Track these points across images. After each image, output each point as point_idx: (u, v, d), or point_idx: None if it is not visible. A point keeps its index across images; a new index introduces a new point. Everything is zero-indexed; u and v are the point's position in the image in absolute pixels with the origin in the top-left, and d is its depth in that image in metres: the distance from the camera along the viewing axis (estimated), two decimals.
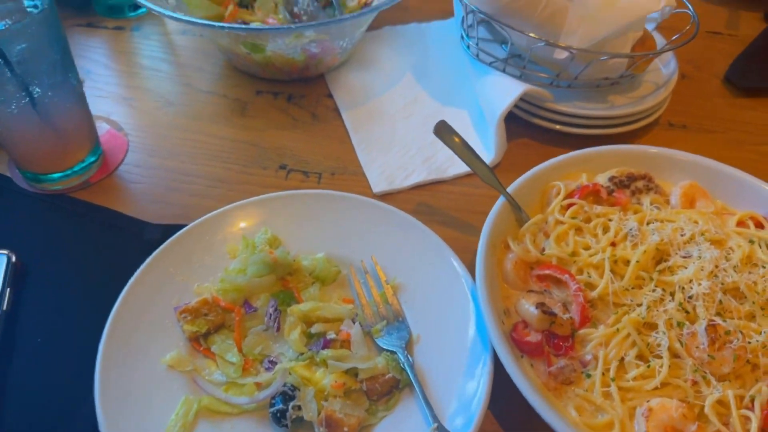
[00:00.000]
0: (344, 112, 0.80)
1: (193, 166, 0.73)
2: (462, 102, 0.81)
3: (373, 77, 0.85)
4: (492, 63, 0.76)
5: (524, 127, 0.77)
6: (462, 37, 0.80)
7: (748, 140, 0.80)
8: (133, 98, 0.82)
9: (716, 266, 0.54)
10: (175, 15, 0.72)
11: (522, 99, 0.75)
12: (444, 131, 0.62)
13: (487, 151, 0.74)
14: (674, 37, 0.79)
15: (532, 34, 0.70)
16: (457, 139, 0.63)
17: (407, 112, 0.80)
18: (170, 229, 0.61)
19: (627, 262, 0.55)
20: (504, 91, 0.73)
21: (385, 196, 0.69)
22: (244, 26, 0.79)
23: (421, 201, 0.69)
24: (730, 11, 1.01)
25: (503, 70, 0.75)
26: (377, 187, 0.70)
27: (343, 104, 0.81)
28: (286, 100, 0.82)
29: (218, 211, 0.62)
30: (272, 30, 0.74)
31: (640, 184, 0.66)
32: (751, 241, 0.57)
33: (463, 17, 0.79)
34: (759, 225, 0.60)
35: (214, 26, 0.72)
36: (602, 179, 0.65)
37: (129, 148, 0.75)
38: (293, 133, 0.78)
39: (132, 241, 0.63)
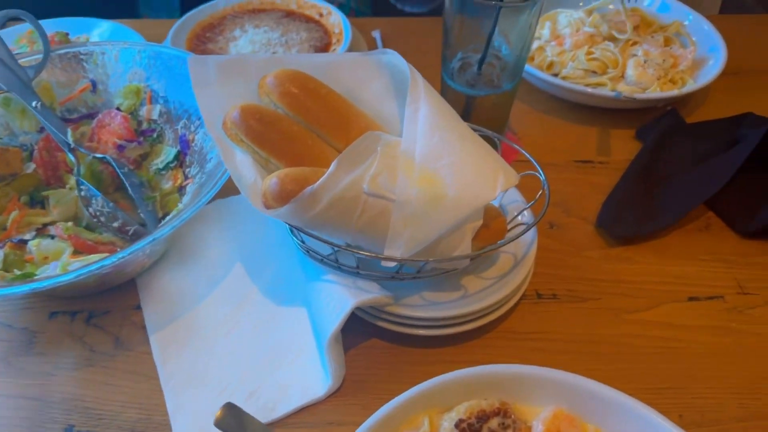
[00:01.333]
0: (153, 334, 0.66)
1: None
2: (303, 297, 0.69)
3: (193, 276, 0.72)
4: (323, 260, 0.65)
5: (371, 329, 0.66)
6: (290, 230, 0.68)
7: (624, 306, 0.70)
8: None
9: None
10: None
11: None
12: (230, 423, 0.49)
13: (325, 373, 0.62)
14: (528, 205, 0.70)
15: (350, 249, 0.58)
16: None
17: (230, 325, 0.67)
18: None
19: None
20: (334, 303, 0.61)
21: None
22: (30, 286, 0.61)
23: None
24: (601, 131, 0.93)
25: (336, 262, 0.64)
26: None
27: (152, 321, 0.67)
28: (85, 321, 0.68)
29: None
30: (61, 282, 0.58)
31: (494, 423, 0.54)
32: None
33: None
34: None
35: None
36: (447, 424, 0.53)
37: None
38: (88, 373, 0.63)
39: None
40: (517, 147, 0.72)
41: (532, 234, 0.70)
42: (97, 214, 0.70)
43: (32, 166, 0.75)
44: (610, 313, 0.70)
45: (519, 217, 0.71)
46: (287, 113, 0.64)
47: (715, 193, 0.79)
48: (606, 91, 0.90)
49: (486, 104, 0.83)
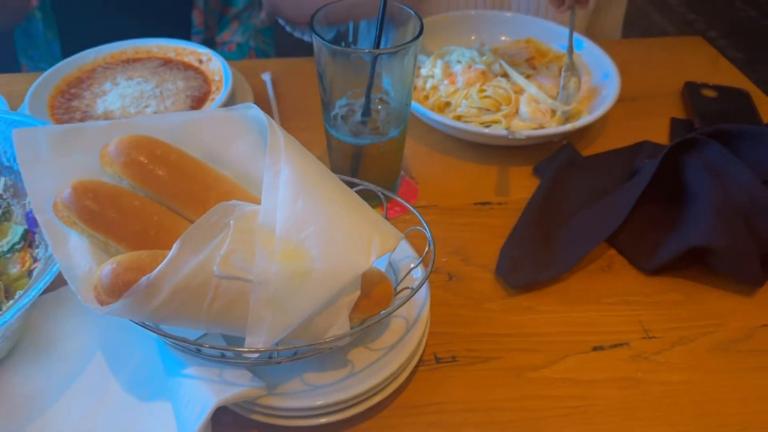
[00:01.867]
0: None
1: None
2: (168, 391, 0.61)
3: (45, 373, 0.62)
4: (184, 347, 0.57)
5: (246, 423, 0.58)
6: None
7: (526, 363, 0.66)
8: None
9: None
10: None
11: None
12: None
13: None
14: (417, 263, 0.64)
15: (206, 345, 0.51)
16: None
17: (87, 427, 0.58)
18: None
19: None
20: (196, 402, 0.53)
21: None
22: None
23: None
24: (499, 169, 0.90)
25: (198, 351, 0.56)
26: None
27: None
28: None
29: None
30: None
31: None
32: None
33: None
34: None
35: None
36: None
37: None
38: None
39: None
40: (401, 201, 0.67)
41: (424, 291, 0.65)
42: None
43: None
44: (512, 374, 0.65)
45: (411, 274, 0.66)
46: (133, 186, 0.57)
47: (616, 230, 0.76)
48: (499, 131, 0.86)
49: (374, 153, 0.78)
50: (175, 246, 0.49)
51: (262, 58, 1.54)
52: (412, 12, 0.72)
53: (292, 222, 0.54)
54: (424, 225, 0.63)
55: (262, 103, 0.98)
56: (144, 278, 0.48)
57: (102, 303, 0.50)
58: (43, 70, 1.40)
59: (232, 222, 0.52)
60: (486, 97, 0.90)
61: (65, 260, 0.52)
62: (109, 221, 0.53)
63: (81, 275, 0.52)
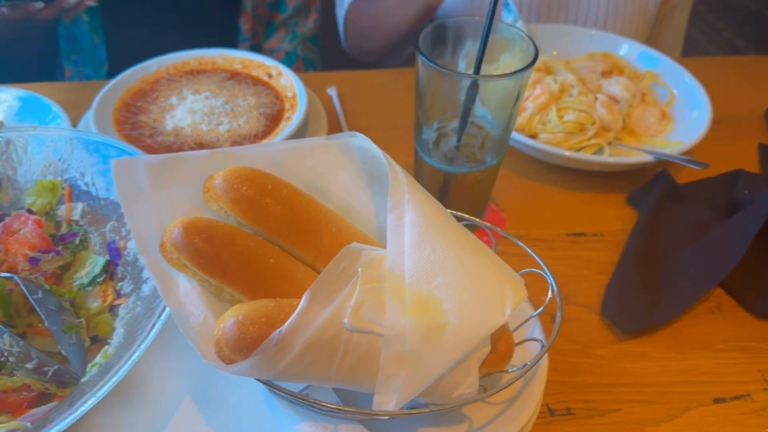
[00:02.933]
0: None
1: None
2: None
3: (130, 421, 0.58)
4: (293, 399, 0.52)
5: None
6: None
7: (647, 416, 0.61)
8: None
9: None
10: None
11: None
12: None
13: None
14: (535, 313, 0.59)
15: (330, 405, 0.47)
16: None
17: None
18: None
19: None
20: None
21: None
22: None
23: None
24: (590, 197, 0.85)
25: (309, 400, 0.51)
26: None
27: None
28: None
29: None
30: None
31: None
32: None
33: None
34: None
35: None
36: None
37: None
38: None
39: None
40: (507, 235, 0.62)
41: (540, 338, 0.60)
42: (5, 353, 0.56)
43: None
44: (633, 429, 0.60)
45: (524, 327, 0.61)
46: (242, 224, 0.52)
47: None
48: (603, 158, 0.81)
49: (467, 181, 0.73)
50: (305, 297, 0.44)
51: (309, 67, 1.49)
52: (524, 35, 0.67)
53: (422, 270, 0.49)
54: (545, 269, 0.58)
55: (330, 120, 0.93)
56: (275, 333, 0.43)
57: (226, 360, 0.45)
58: (88, 74, 1.36)
59: (360, 269, 0.47)
60: (567, 121, 0.85)
61: (177, 308, 0.47)
62: (224, 265, 0.48)
63: (195, 326, 0.47)
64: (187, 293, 0.48)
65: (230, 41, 1.40)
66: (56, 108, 0.83)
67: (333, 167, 0.59)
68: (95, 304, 0.61)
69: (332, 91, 1.02)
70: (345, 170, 0.60)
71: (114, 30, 1.28)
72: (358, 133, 0.59)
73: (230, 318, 0.45)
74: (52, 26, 1.29)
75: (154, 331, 0.51)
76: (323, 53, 1.56)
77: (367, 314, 0.46)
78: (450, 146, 0.72)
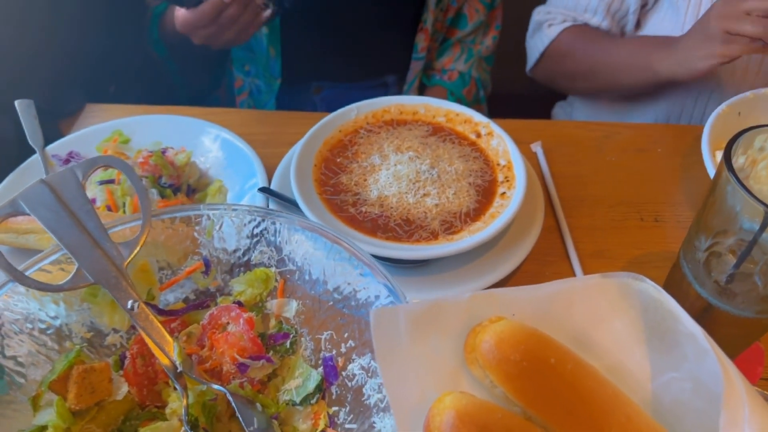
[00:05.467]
0: None
1: None
2: None
3: None
4: None
5: None
6: None
7: None
8: None
9: None
10: None
11: None
12: None
13: None
14: None
15: None
16: None
17: None
18: None
19: None
20: None
21: None
22: None
23: None
24: None
25: None
26: None
27: None
28: None
29: None
30: None
31: None
32: None
33: None
34: None
35: None
36: None
37: None
38: None
39: None
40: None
41: None
42: None
43: (123, 387, 0.55)
44: None
45: None
46: (510, 400, 0.42)
47: None
48: None
49: (739, 322, 0.59)
50: None
51: (480, 88, 1.37)
52: None
53: None
54: None
55: (535, 184, 0.81)
56: None
57: None
58: (259, 87, 1.31)
59: None
60: None
61: None
62: None
63: None
64: None
65: (405, 59, 1.31)
66: (256, 162, 0.78)
67: (608, 314, 0.48)
68: (304, 426, 0.54)
69: (537, 148, 0.89)
70: (619, 320, 0.49)
71: (289, 45, 1.22)
72: (642, 277, 0.48)
73: None
74: None
75: None
76: (495, 72, 1.43)
77: None
78: (724, 268, 0.58)
